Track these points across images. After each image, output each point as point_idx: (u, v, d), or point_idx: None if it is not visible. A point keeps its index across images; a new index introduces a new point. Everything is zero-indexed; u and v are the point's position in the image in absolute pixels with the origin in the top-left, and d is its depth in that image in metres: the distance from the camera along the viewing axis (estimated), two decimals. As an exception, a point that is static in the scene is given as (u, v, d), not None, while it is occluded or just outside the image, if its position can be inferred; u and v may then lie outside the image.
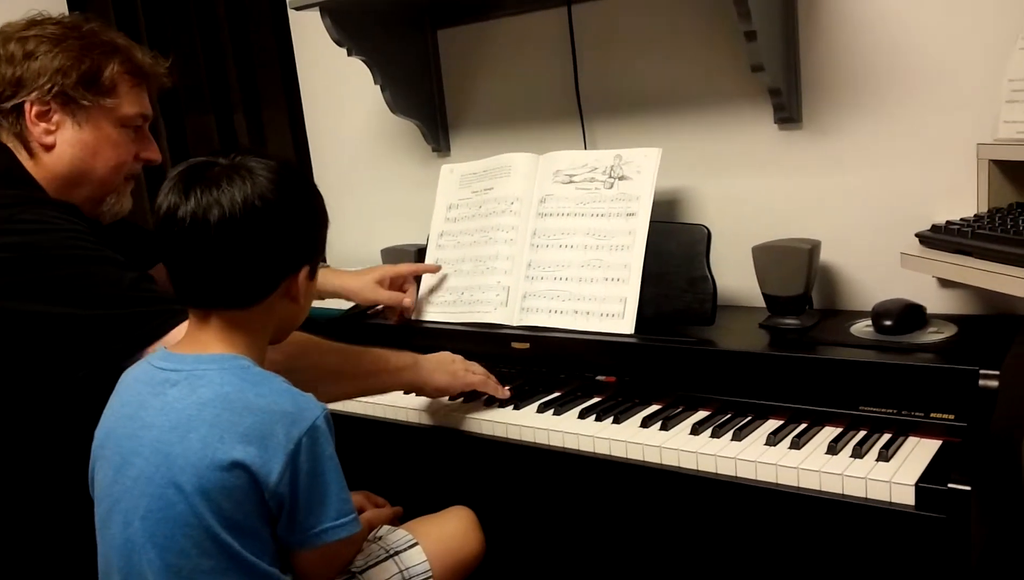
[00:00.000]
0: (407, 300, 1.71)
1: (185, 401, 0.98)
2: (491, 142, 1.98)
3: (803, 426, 1.27)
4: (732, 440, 1.26)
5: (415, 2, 1.98)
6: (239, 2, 2.28)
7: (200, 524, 0.94)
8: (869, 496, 1.10)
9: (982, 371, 1.17)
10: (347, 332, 1.76)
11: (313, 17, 1.82)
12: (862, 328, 1.41)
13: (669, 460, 1.26)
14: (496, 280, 1.65)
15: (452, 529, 1.27)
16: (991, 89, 1.39)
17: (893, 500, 1.08)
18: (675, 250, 1.48)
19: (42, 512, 1.22)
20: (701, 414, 1.36)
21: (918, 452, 1.16)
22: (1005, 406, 1.19)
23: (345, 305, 1.85)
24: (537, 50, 1.89)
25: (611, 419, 1.38)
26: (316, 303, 1.64)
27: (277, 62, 2.31)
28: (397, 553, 1.20)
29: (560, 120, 1.87)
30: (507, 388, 1.51)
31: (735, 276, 1.62)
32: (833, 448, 1.18)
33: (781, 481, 1.17)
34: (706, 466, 1.23)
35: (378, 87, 1.94)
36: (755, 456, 1.19)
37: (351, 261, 2.06)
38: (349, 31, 1.83)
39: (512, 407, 1.48)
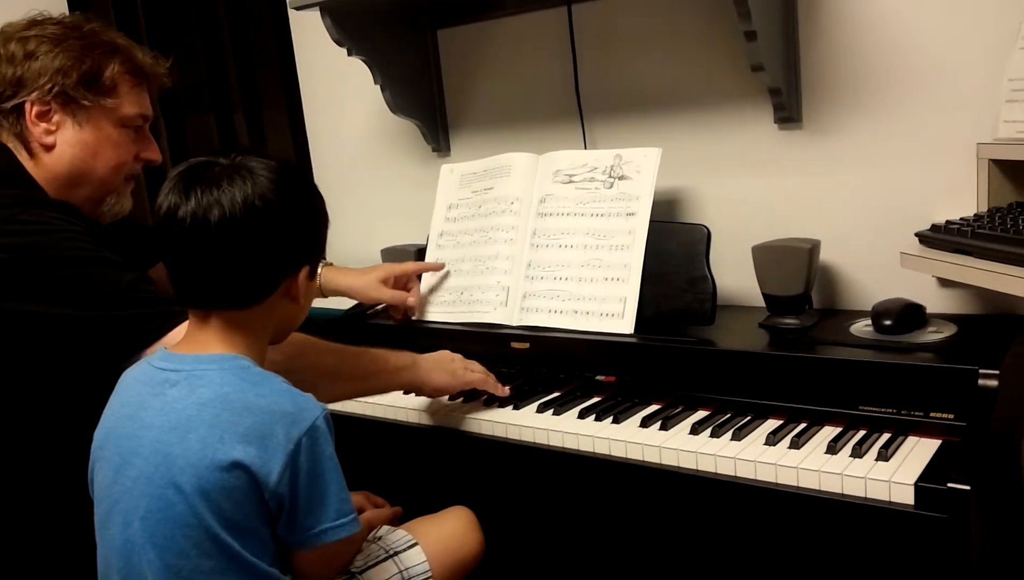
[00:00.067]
0: (411, 299, 1.71)
1: (185, 401, 0.98)
2: (491, 142, 1.98)
3: (803, 426, 1.27)
4: (732, 440, 1.26)
5: (415, 2, 1.98)
6: (239, 2, 2.28)
7: (200, 524, 0.94)
8: (869, 496, 1.10)
9: (982, 371, 1.17)
10: (347, 332, 1.76)
11: (313, 17, 1.82)
12: (862, 328, 1.41)
13: (668, 460, 1.26)
14: (496, 280, 1.65)
15: (452, 529, 1.27)
16: (991, 89, 1.39)
17: (893, 500, 1.08)
18: (675, 250, 1.48)
19: (42, 513, 1.22)
20: (701, 414, 1.36)
21: (918, 452, 1.16)
22: (1005, 406, 1.20)
23: (345, 305, 1.85)
24: (537, 50, 1.89)
25: (611, 419, 1.38)
26: (318, 303, 1.64)
27: (277, 62, 2.31)
28: (397, 553, 1.20)
29: (560, 120, 1.87)
30: (507, 387, 1.51)
31: (735, 276, 1.62)
32: (832, 448, 1.18)
33: (780, 481, 1.17)
34: (705, 466, 1.23)
35: (378, 87, 1.94)
36: (754, 456, 1.19)
37: (351, 261, 2.05)
38: (349, 31, 1.83)
39: (512, 407, 1.48)
